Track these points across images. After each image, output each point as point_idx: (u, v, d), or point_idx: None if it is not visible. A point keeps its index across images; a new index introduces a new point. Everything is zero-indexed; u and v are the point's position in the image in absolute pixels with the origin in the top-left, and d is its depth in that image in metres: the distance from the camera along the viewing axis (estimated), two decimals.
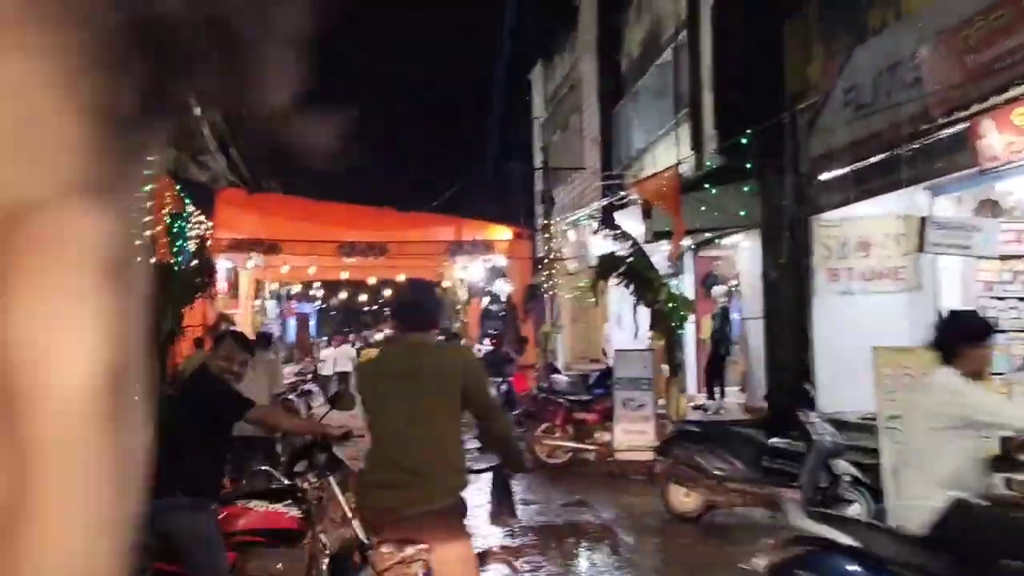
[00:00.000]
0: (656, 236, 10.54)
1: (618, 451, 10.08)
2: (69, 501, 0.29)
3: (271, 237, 16.51)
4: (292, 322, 32.59)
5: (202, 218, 13.67)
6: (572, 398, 11.10)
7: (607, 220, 12.32)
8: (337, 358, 22.50)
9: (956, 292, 8.38)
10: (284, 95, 0.35)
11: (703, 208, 10.67)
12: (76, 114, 0.29)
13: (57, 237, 0.30)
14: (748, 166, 10.35)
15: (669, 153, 12.57)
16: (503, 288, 19.51)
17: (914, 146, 7.53)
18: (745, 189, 10.66)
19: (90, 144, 0.30)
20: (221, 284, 19.77)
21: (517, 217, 18.71)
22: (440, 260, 18.47)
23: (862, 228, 9.15)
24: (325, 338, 36.63)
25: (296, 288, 33.35)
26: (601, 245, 10.40)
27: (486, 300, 24.52)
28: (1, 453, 0.28)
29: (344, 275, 23.48)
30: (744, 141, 10.22)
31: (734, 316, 12.98)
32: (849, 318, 8.93)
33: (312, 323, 38.77)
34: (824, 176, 8.98)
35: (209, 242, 13.58)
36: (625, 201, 11.87)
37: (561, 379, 14.07)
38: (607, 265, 9.62)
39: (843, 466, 6.92)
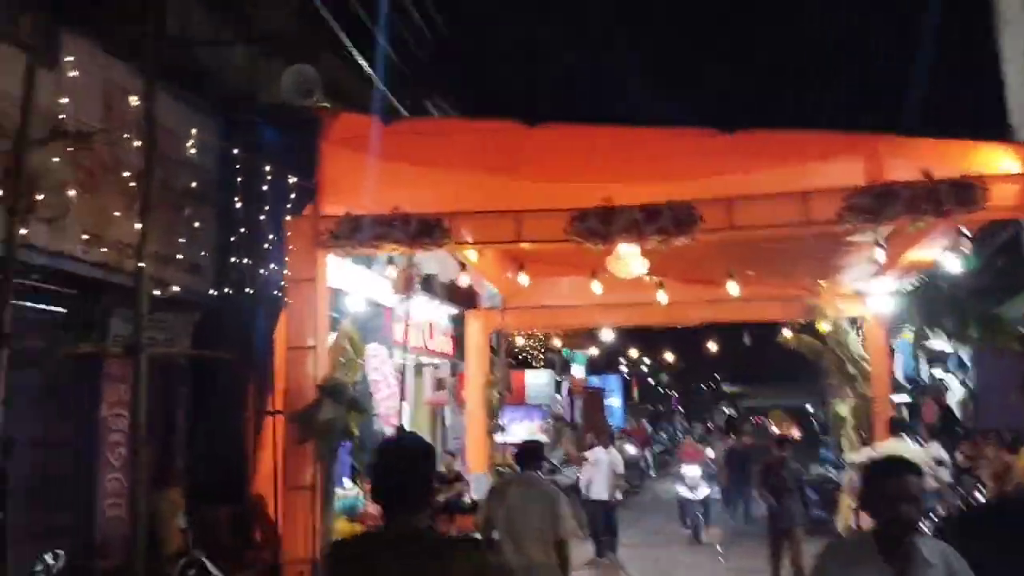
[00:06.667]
0: None
1: None
2: None
3: (430, 209, 7.28)
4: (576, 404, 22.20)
5: (292, 179, 7.14)
6: None
7: None
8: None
9: None
10: None
11: None
12: None
13: None
14: None
15: None
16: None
17: None
18: None
19: None
20: (396, 330, 10.97)
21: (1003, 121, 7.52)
22: (841, 245, 8.02)
23: None
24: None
25: (590, 351, 22.65)
26: None
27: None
28: None
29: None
30: None
31: None
32: None
33: (616, 402, 27.26)
34: None
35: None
36: None
37: None
38: None
39: None
